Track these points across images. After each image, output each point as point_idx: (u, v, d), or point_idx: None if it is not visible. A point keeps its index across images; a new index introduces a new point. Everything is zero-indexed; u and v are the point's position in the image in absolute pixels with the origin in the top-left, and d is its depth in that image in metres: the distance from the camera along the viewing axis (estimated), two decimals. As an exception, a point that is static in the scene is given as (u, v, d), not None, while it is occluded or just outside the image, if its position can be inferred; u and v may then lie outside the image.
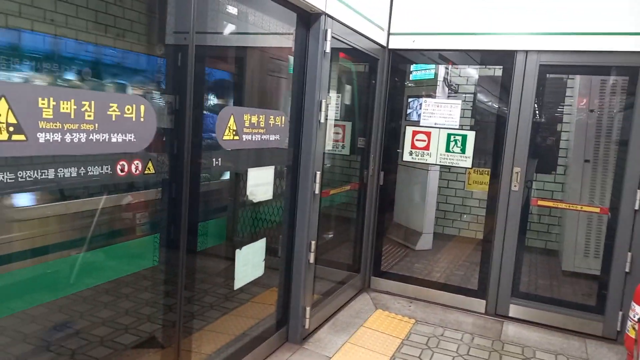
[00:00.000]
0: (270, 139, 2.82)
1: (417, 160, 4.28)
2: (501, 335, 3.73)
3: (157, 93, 2.79)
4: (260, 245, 2.95)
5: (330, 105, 3.78)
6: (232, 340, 2.94)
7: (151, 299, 3.06)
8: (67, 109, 1.60)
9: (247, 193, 2.82)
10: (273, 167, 2.96)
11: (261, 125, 2.71)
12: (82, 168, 1.71)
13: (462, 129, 4.12)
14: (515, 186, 3.90)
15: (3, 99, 1.43)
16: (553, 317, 3.88)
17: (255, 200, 2.94)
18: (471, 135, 4.05)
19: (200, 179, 2.60)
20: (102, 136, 1.73)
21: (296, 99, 3.15)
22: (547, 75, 3.99)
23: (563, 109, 5.31)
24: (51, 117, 1.55)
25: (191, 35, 2.22)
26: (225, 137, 2.44)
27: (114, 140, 1.78)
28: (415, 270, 4.86)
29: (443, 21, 4.02)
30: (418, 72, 5.00)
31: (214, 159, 2.44)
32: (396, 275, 4.54)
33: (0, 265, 2.53)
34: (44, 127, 1.53)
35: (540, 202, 4.34)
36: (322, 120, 3.22)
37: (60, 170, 1.63)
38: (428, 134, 4.17)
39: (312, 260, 3.31)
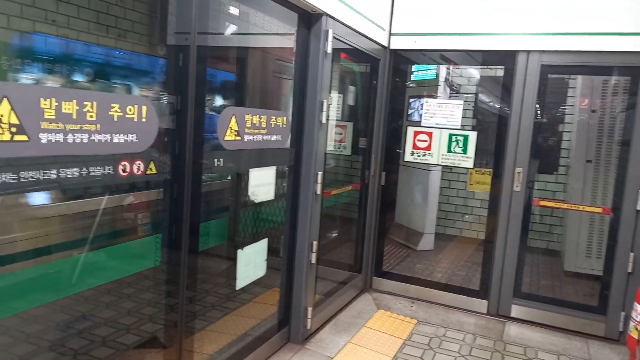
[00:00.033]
0: (272, 139, 2.82)
1: (418, 161, 4.28)
2: (503, 336, 3.73)
3: (158, 93, 2.79)
4: (262, 246, 2.95)
5: (332, 106, 3.79)
6: (233, 340, 2.94)
7: (153, 299, 3.06)
8: (69, 109, 1.60)
9: (249, 193, 2.82)
10: (275, 167, 2.97)
11: (262, 126, 2.71)
12: (84, 168, 1.71)
13: (463, 129, 4.12)
14: (517, 186, 3.90)
15: (5, 99, 1.43)
16: (555, 317, 3.88)
17: (256, 201, 2.94)
18: (473, 136, 4.04)
19: (202, 179, 2.60)
20: (104, 137, 1.73)
21: (298, 100, 3.15)
22: (549, 75, 3.98)
23: (565, 109, 5.31)
24: (53, 117, 1.55)
25: (192, 36, 2.23)
26: (226, 138, 2.44)
27: (116, 140, 1.78)
28: (417, 271, 4.85)
29: (444, 21, 4.02)
30: (419, 72, 5.01)
31: (215, 160, 2.44)
32: (398, 275, 4.54)
33: (2, 265, 2.53)
34: (46, 127, 1.53)
35: (542, 203, 4.33)
36: (324, 121, 3.22)
37: (62, 170, 1.64)
38: (430, 134, 4.17)
39: (313, 260, 3.31)
